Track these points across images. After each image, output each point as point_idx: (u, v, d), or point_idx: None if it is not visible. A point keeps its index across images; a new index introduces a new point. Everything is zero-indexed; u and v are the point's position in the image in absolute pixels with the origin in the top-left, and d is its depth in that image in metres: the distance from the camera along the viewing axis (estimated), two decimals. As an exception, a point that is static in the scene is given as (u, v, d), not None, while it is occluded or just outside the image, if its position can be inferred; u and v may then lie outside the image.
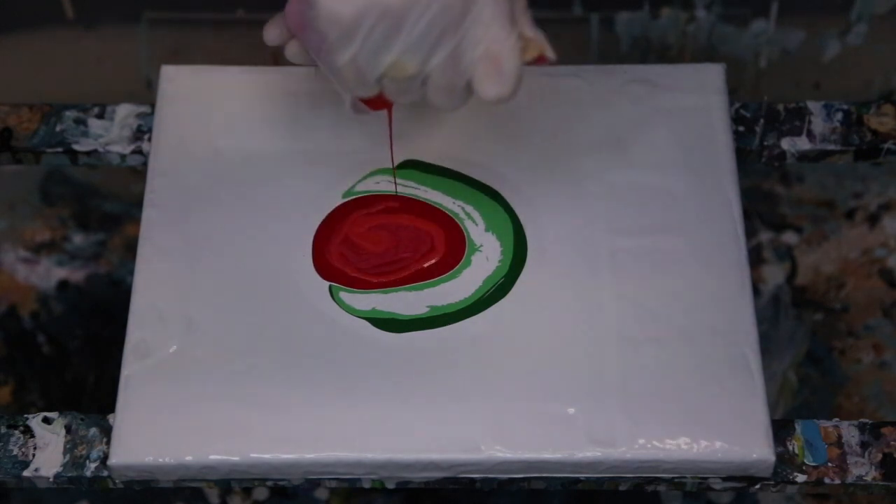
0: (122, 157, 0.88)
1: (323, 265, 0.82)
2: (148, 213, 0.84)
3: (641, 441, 0.76)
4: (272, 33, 0.76)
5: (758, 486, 0.78)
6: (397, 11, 0.70)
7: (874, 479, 0.78)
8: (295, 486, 0.95)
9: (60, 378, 1.15)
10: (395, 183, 0.85)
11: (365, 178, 0.85)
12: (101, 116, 0.89)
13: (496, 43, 0.71)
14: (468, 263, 0.82)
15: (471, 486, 0.78)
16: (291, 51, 0.77)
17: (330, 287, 0.81)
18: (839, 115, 0.88)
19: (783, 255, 1.18)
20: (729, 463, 0.76)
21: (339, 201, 0.84)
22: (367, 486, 0.78)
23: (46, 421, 0.80)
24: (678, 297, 0.81)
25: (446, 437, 0.77)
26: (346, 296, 0.81)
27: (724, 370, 0.78)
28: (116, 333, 0.82)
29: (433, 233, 0.83)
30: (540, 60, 0.73)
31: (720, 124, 0.86)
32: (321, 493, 1.11)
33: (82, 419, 0.80)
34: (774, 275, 1.17)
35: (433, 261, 0.82)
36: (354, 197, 0.84)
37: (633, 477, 0.77)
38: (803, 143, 0.87)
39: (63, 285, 1.18)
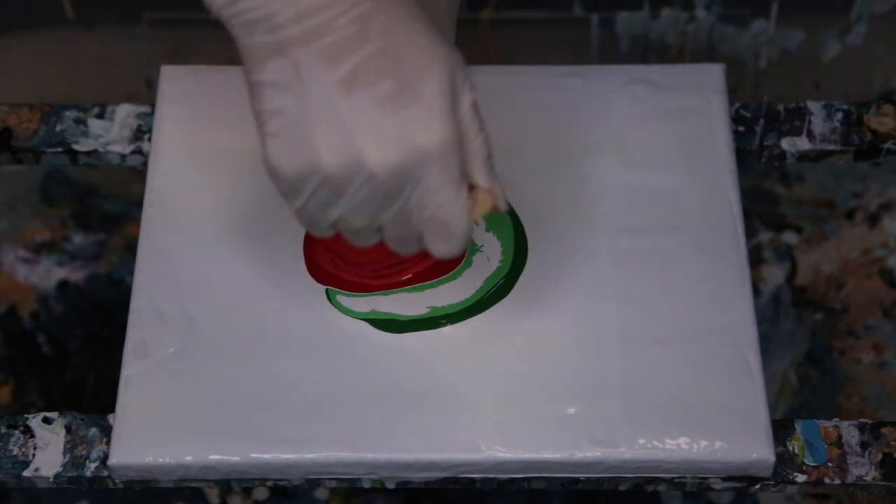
0: (122, 157, 0.88)
1: (316, 270, 0.82)
2: (148, 213, 0.84)
3: (641, 441, 0.76)
4: None
5: (758, 486, 0.78)
6: (337, 180, 0.68)
7: (874, 479, 0.78)
8: (295, 486, 0.95)
9: (60, 378, 1.14)
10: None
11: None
12: (101, 116, 0.89)
13: (442, 208, 0.69)
14: (468, 264, 0.82)
15: (471, 486, 0.78)
16: None
17: (327, 289, 0.81)
18: (839, 115, 0.88)
19: (783, 255, 1.18)
20: (729, 463, 0.76)
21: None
22: (367, 486, 0.78)
23: (46, 421, 0.79)
24: (678, 297, 0.80)
25: (446, 437, 0.76)
26: (344, 298, 0.81)
27: (724, 370, 0.78)
28: (116, 333, 0.82)
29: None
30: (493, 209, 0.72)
31: (720, 124, 0.86)
32: (321, 493, 1.11)
33: (82, 419, 0.79)
34: (774, 275, 1.17)
35: (433, 261, 0.82)
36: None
37: (633, 477, 0.77)
38: (803, 143, 0.87)
39: (63, 285, 1.18)
